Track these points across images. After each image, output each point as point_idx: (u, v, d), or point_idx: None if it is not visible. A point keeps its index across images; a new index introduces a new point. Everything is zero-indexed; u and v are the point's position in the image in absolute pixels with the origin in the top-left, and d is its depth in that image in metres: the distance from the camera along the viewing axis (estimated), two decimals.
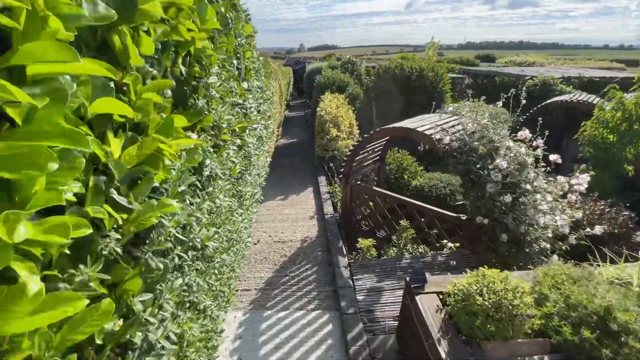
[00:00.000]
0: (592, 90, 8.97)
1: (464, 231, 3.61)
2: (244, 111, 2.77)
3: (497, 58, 30.65)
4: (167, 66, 1.07)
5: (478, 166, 3.22)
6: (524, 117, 8.09)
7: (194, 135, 1.33)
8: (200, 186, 1.53)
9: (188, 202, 1.33)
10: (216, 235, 1.70)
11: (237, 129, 2.22)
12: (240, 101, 2.31)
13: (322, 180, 6.53)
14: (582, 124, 6.31)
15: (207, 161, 1.62)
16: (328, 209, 4.97)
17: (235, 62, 2.19)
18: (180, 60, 1.18)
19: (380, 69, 11.11)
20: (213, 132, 1.72)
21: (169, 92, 1.07)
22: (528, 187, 3.03)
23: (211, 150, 1.65)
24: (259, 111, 3.63)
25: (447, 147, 3.39)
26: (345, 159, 7.24)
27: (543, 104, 8.01)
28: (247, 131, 2.79)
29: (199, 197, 1.48)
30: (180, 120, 0.91)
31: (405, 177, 6.38)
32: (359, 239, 3.62)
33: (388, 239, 4.36)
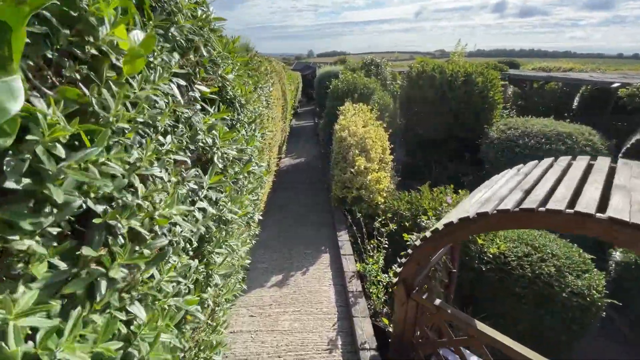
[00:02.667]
0: None
1: None
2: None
3: (521, 65, 28.20)
4: None
5: None
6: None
7: None
8: None
9: None
10: None
11: None
12: None
13: (344, 239, 4.20)
14: None
15: None
16: (364, 326, 2.61)
17: None
18: None
19: (412, 71, 8.79)
20: None
21: None
22: None
23: None
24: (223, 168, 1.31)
25: None
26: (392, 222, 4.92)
27: None
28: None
29: None
30: None
31: (480, 240, 4.01)
32: None
33: None
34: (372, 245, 4.30)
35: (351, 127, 4.85)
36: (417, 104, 8.54)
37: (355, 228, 4.60)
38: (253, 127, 2.22)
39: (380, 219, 4.80)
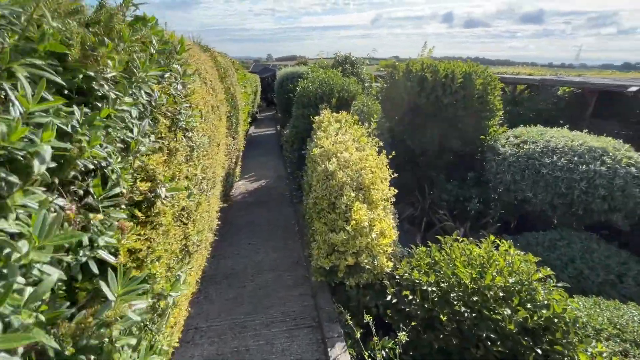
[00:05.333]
0: None
1: None
2: None
3: None
4: None
5: None
6: None
7: None
8: None
9: None
10: None
11: None
12: None
13: (339, 353, 2.30)
14: None
15: None
16: None
17: None
18: None
19: (396, 71, 7.19)
20: None
21: None
22: None
23: None
24: None
25: None
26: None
27: None
28: None
29: None
30: None
31: None
32: None
33: None
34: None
35: (340, 154, 2.98)
36: (404, 110, 6.98)
37: (352, 321, 2.74)
38: None
39: (390, 298, 3.00)
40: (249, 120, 11.37)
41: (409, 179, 7.34)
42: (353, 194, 2.78)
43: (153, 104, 1.32)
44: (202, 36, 4.39)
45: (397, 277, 3.33)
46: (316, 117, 4.29)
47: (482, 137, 6.88)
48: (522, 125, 6.58)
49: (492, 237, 3.26)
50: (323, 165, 2.85)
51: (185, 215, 1.69)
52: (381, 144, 3.97)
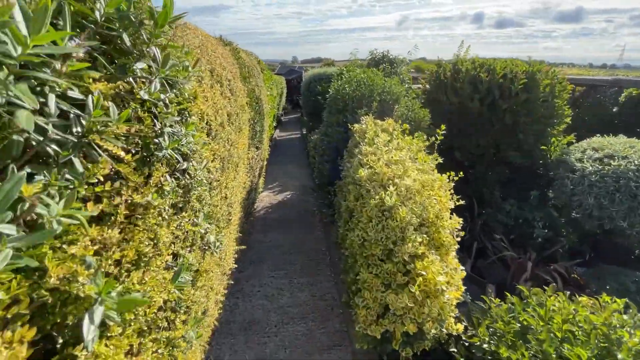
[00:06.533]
0: None
1: None
2: None
3: None
4: None
5: None
6: None
7: None
8: None
9: None
10: None
11: None
12: None
13: None
14: None
15: None
16: None
17: None
18: None
19: (442, 70, 6.27)
20: None
21: None
22: None
23: None
24: None
25: None
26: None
27: None
28: None
29: None
30: None
31: None
32: None
33: None
34: None
35: (400, 180, 2.18)
36: (451, 115, 6.06)
37: None
38: None
39: None
40: (274, 124, 10.80)
41: (456, 195, 6.38)
42: (419, 239, 1.98)
43: (83, 122, 0.59)
44: (230, 39, 3.84)
45: (465, 340, 2.53)
46: (355, 126, 3.52)
47: (543, 147, 5.84)
48: (598, 135, 5.47)
49: (607, 298, 2.35)
50: (377, 198, 2.06)
51: (169, 319, 0.96)
52: (440, 160, 3.13)
